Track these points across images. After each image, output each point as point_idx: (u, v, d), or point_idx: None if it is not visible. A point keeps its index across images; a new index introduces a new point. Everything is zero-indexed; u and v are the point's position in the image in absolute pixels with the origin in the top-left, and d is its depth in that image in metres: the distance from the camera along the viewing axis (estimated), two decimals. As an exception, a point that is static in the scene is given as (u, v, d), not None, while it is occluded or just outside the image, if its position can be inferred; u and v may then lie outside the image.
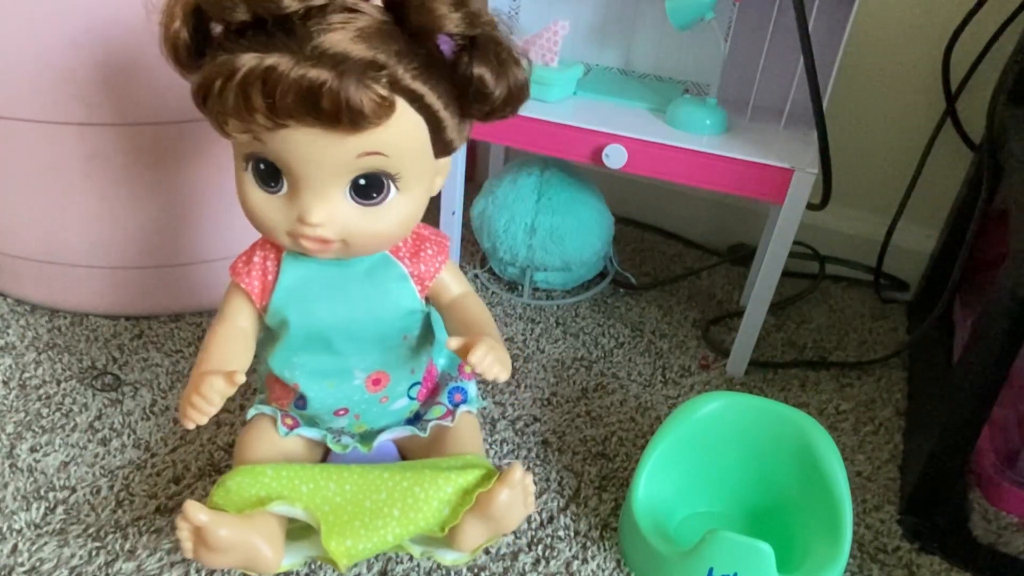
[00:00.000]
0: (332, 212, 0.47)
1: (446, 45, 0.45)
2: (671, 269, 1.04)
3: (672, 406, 0.79)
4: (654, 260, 1.06)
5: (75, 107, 0.68)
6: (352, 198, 0.47)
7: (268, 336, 0.56)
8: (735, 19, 0.81)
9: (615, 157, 0.77)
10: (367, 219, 0.48)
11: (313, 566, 0.59)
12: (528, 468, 0.70)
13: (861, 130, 0.98)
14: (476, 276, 0.99)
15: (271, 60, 0.40)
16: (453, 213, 0.90)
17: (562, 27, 0.82)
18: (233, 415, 0.72)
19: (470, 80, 0.45)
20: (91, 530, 0.61)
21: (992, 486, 0.70)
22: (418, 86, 0.43)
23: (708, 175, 0.76)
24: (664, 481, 0.63)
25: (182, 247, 0.80)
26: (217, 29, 0.45)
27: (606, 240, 0.94)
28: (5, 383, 0.75)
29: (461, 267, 0.99)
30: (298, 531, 0.54)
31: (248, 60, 0.41)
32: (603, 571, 0.61)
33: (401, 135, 0.45)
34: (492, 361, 0.48)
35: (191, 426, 0.47)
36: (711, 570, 0.55)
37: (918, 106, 0.94)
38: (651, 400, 0.80)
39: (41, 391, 0.74)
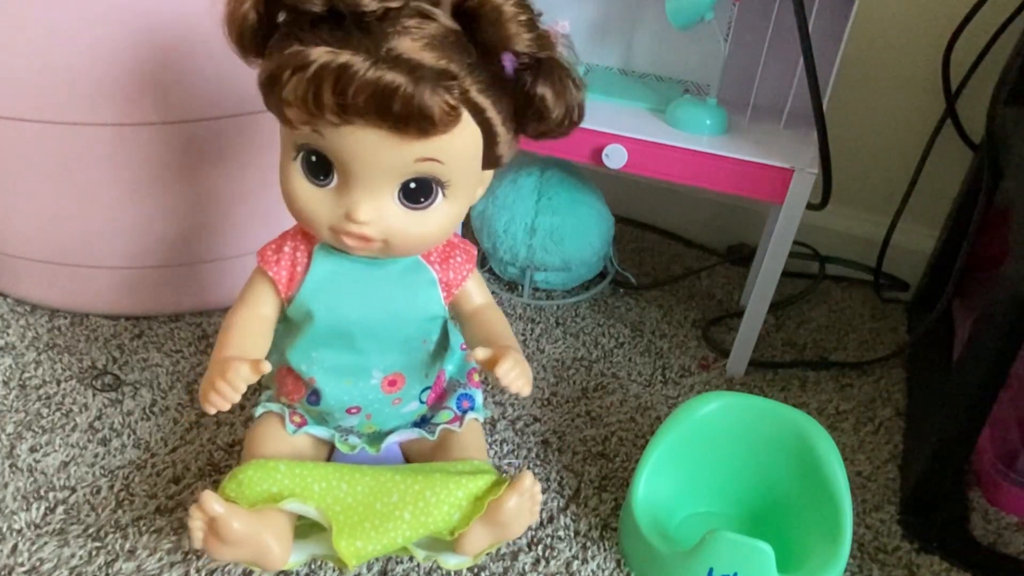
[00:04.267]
0: (379, 211, 0.47)
1: (508, 62, 0.45)
2: (671, 269, 1.04)
3: (672, 406, 0.79)
4: (654, 260, 1.06)
5: (76, 108, 0.68)
6: (400, 200, 0.47)
7: (287, 328, 0.56)
8: (735, 19, 0.81)
9: (615, 157, 0.77)
10: (411, 222, 0.48)
11: (313, 565, 0.59)
12: (528, 468, 0.70)
13: (861, 130, 0.98)
14: (476, 276, 0.99)
15: (345, 57, 0.40)
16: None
17: (562, 26, 0.82)
18: (233, 415, 0.72)
19: (532, 99, 0.46)
20: (91, 530, 0.61)
21: (992, 486, 0.70)
22: (483, 100, 0.44)
23: (708, 175, 0.76)
24: (664, 481, 0.63)
25: (182, 247, 0.80)
26: (282, 17, 0.45)
27: (606, 240, 0.94)
28: (5, 383, 0.75)
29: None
30: (303, 529, 0.54)
31: (321, 54, 0.41)
32: (603, 571, 0.61)
33: (459, 145, 0.45)
34: (518, 374, 0.49)
35: (212, 411, 0.47)
36: (711, 570, 0.55)
37: (918, 106, 0.94)
38: (651, 400, 0.80)
39: (41, 391, 0.74)
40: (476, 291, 0.57)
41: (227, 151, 0.75)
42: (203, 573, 0.58)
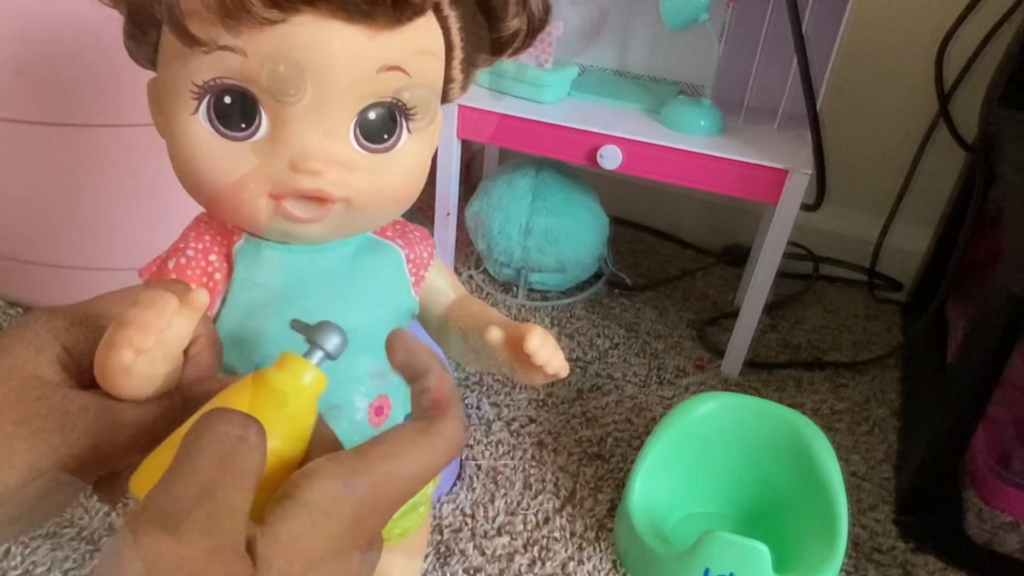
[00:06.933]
0: (334, 157, 0.35)
1: None
2: (666, 270, 1.04)
3: (668, 407, 0.79)
4: (649, 261, 1.06)
5: (75, 107, 0.68)
6: (358, 140, 0.36)
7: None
8: (729, 20, 0.81)
9: (610, 158, 0.77)
10: (376, 170, 0.36)
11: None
12: (523, 470, 0.70)
13: (855, 131, 0.98)
14: (471, 277, 0.99)
15: None
16: (448, 214, 0.90)
17: (556, 28, 0.82)
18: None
19: None
20: (84, 533, 0.60)
21: (987, 485, 0.70)
22: None
23: (703, 176, 0.76)
24: (660, 482, 0.63)
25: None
26: None
27: (601, 241, 0.94)
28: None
29: (456, 269, 0.99)
30: None
31: None
32: (599, 572, 0.61)
33: (424, 51, 0.36)
34: (553, 351, 0.38)
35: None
36: (707, 570, 0.55)
37: (912, 107, 0.94)
38: (647, 401, 0.80)
39: (34, 394, 0.73)
40: (448, 283, 0.45)
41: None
42: None
